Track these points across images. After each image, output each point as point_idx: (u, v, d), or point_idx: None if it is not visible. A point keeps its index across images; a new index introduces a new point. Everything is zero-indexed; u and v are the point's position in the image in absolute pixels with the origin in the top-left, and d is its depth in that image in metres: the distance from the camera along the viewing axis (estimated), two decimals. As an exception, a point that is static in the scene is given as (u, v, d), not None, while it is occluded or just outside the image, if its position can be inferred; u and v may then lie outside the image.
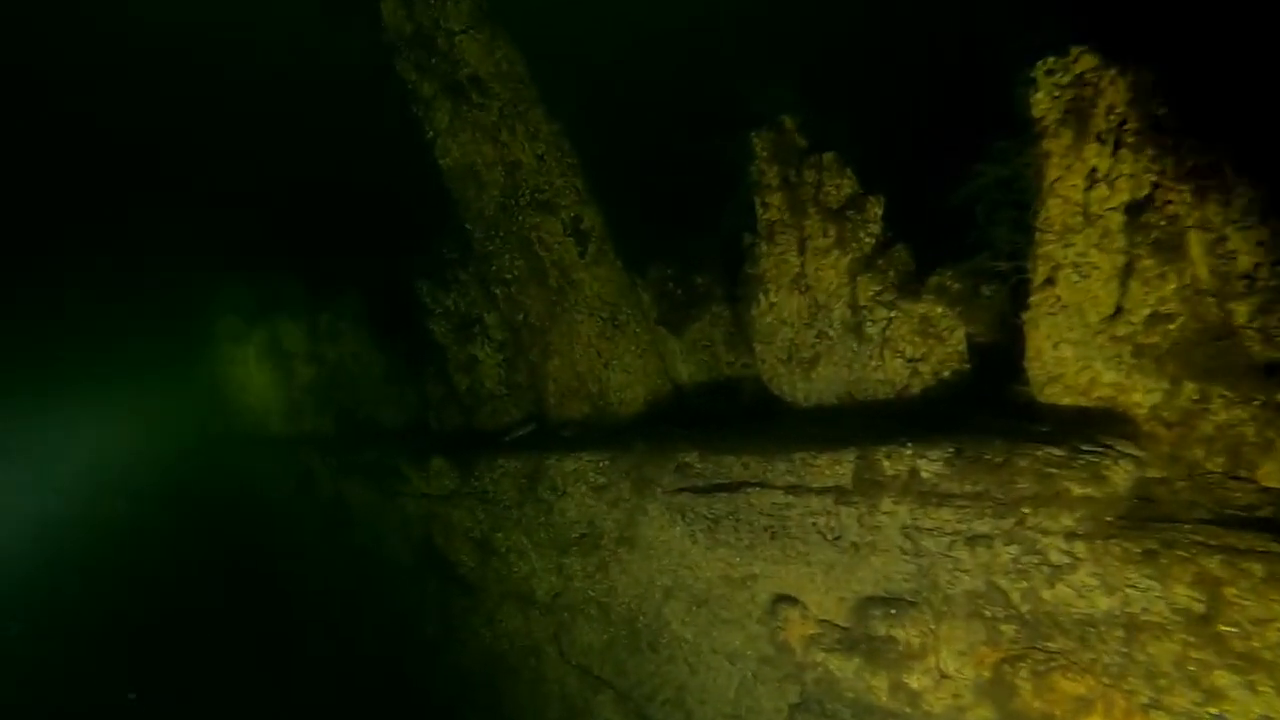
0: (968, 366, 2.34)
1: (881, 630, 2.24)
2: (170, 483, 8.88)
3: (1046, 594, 1.93)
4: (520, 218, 3.39)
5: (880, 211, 2.47)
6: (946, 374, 2.36)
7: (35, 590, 8.28)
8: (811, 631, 2.53)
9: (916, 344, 2.36)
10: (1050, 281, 2.10)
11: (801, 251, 2.52)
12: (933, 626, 2.16)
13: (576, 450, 3.31)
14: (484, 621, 4.63)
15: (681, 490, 2.85)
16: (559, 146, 3.46)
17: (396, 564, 5.39)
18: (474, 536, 4.29)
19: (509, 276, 3.60)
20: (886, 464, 2.12)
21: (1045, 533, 1.92)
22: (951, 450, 2.04)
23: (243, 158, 7.80)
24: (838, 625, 2.45)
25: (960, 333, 2.33)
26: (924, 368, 2.37)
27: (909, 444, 2.08)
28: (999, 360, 2.34)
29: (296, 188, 7.09)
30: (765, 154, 2.53)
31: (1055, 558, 1.90)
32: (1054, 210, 2.07)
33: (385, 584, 5.64)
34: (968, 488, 2.00)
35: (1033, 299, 2.14)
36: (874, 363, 2.44)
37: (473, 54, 3.34)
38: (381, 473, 5.02)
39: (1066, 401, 2.11)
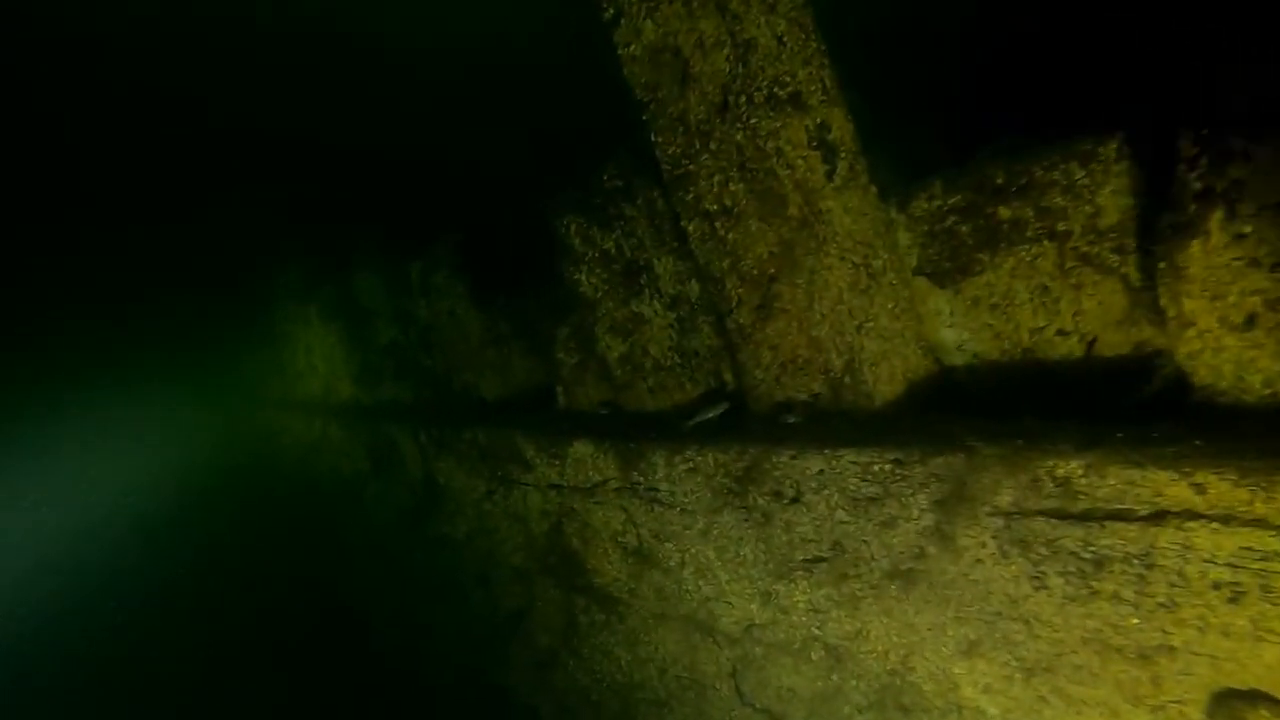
0: None
1: None
2: (218, 454, 8.10)
3: None
4: (752, 121, 2.44)
5: None
6: None
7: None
8: (1300, 751, 1.60)
9: None
10: None
11: (1318, 150, 1.55)
12: None
13: (829, 445, 2.38)
14: (624, 642, 3.76)
15: (1038, 514, 1.91)
16: (801, 25, 2.49)
17: (500, 562, 4.53)
18: (626, 543, 3.40)
19: (715, 207, 2.66)
20: None
21: None
22: None
23: (293, 73, 6.75)
24: (1369, 751, 1.51)
25: None
26: None
27: None
28: None
29: (369, 109, 6.09)
30: (1261, -10, 1.56)
31: None
32: None
33: (481, 583, 4.80)
34: None
35: None
36: None
37: (696, -115, 2.37)
38: (492, 455, 4.14)
39: None
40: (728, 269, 2.76)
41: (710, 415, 3.00)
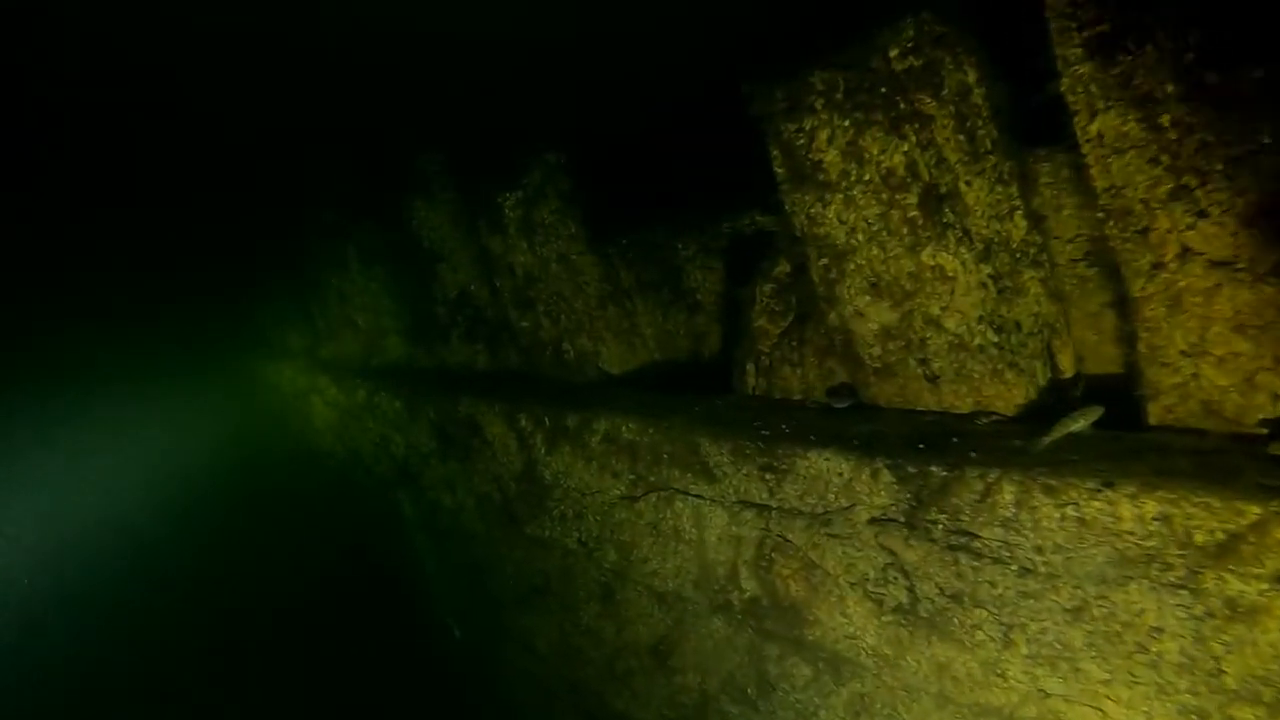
0: None
1: None
2: (236, 419, 7.00)
3: None
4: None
5: None
6: None
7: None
8: None
9: None
10: None
11: None
12: None
13: None
14: (840, 709, 2.79)
15: None
16: None
17: (635, 582, 3.52)
18: (884, 595, 2.36)
19: (1169, 89, 1.52)
20: None
21: None
22: None
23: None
24: None
25: None
26: None
27: None
28: None
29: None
30: None
31: None
32: None
33: (600, 600, 3.80)
34: None
35: None
36: None
37: None
38: (646, 453, 3.07)
39: None
40: (1166, 198, 1.63)
41: (1075, 428, 1.93)
